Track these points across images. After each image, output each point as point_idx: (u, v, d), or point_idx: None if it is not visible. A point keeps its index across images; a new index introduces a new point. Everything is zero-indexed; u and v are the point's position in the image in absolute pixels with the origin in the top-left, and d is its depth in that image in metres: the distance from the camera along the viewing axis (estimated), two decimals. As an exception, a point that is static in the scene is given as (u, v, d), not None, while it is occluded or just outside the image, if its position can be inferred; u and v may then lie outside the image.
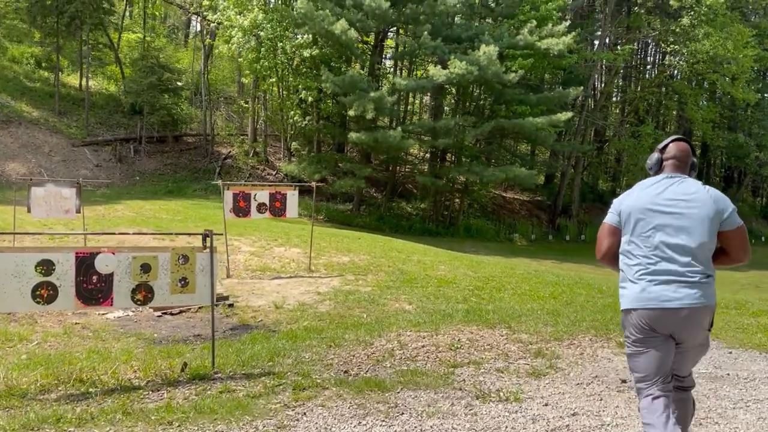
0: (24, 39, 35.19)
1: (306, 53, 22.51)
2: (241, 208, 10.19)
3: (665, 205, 3.19)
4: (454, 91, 26.14)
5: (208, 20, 31.61)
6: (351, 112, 21.48)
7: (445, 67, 21.20)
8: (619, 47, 28.00)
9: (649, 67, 38.32)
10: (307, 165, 24.03)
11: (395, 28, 24.08)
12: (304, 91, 24.02)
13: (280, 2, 24.18)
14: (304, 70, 25.04)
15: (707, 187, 3.25)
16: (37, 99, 29.91)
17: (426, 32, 21.50)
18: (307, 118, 28.81)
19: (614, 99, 36.19)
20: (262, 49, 23.16)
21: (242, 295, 8.91)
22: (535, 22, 22.49)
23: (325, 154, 28.54)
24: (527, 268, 13.93)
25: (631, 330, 3.24)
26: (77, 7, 27.41)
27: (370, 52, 24.92)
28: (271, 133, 31.89)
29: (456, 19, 24.68)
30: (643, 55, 35.62)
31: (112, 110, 31.56)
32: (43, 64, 33.13)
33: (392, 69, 28.52)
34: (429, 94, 30.06)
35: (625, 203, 3.31)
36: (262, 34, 22.60)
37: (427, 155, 30.79)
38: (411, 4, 22.09)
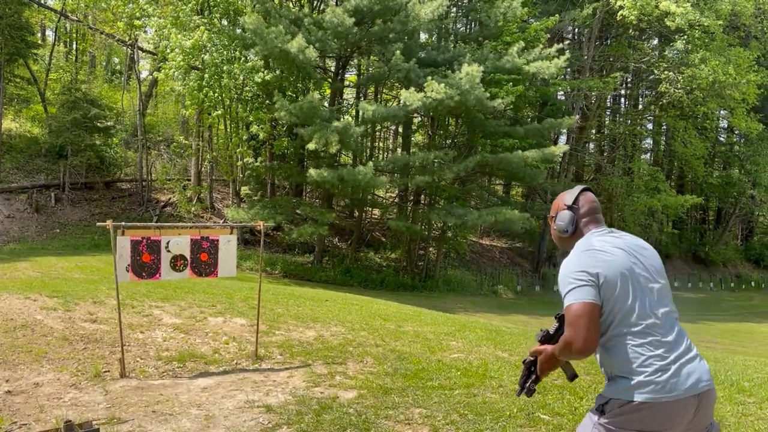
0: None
1: (258, 78, 18.99)
2: (144, 264, 6.45)
3: (635, 259, 2.63)
4: (426, 122, 22.95)
5: (145, 50, 28.07)
6: (311, 145, 17.97)
7: (420, 90, 17.96)
8: (605, 76, 25.41)
9: (640, 97, 35.91)
10: (260, 210, 20.29)
11: (359, 50, 20.84)
12: (255, 125, 20.42)
13: (225, 21, 20.72)
14: (255, 100, 21.53)
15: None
16: (-58, 142, 25.69)
17: (398, 51, 18.30)
18: (259, 158, 25.21)
19: (601, 132, 33.52)
20: (206, 74, 19.58)
21: (133, 417, 5.11)
22: (523, 43, 19.57)
23: (280, 198, 24.86)
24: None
25: None
26: (-11, 34, 23.58)
27: (330, 79, 21.58)
28: (217, 177, 28.14)
29: (427, 40, 21.68)
30: (631, 84, 33.27)
31: (32, 154, 27.43)
32: (-45, 104, 28.93)
33: (355, 97, 25.15)
34: (394, 126, 26.94)
35: (600, 264, 2.53)
36: (206, 57, 19.05)
37: (396, 197, 27.36)
38: (379, 21, 18.94)
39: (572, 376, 2.74)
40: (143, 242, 6.41)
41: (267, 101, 21.02)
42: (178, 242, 6.54)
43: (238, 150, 22.02)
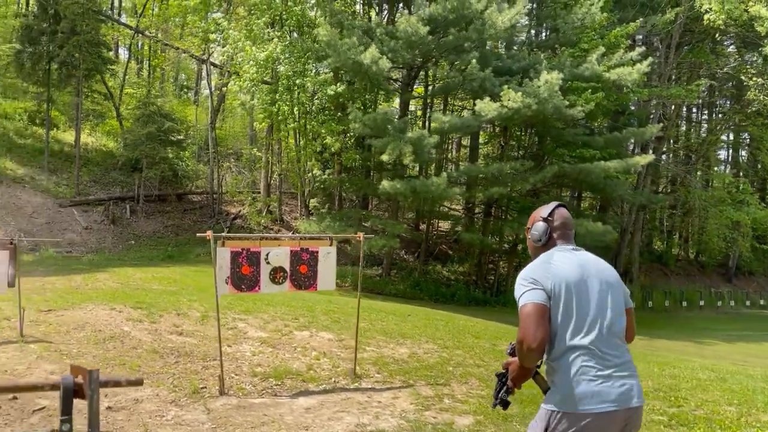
0: (20, 96, 32.32)
1: (330, 91, 18.87)
2: (244, 277, 6.20)
3: (588, 278, 2.78)
4: (497, 132, 22.42)
5: (216, 65, 28.49)
6: (384, 157, 17.69)
7: (496, 100, 17.47)
8: (686, 83, 24.33)
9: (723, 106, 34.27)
10: (331, 223, 20.13)
11: (431, 60, 20.50)
12: (328, 138, 20.30)
13: (297, 33, 20.72)
14: (324, 112, 21.44)
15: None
16: (25, 156, 26.55)
17: (474, 60, 17.88)
18: (327, 171, 25.16)
19: (677, 142, 32.15)
20: (280, 87, 19.58)
21: (242, 440, 4.83)
22: (603, 49, 18.86)
23: (348, 210, 24.68)
24: (661, 356, 9.72)
25: None
26: (69, 50, 24.27)
27: (400, 90, 21.32)
28: (285, 190, 28.22)
29: (494, 48, 21.17)
30: (707, 91, 31.79)
31: (108, 167, 28.12)
32: (37, 120, 29.99)
33: (421, 108, 24.72)
34: (457, 137, 26.47)
35: (551, 274, 2.72)
36: (280, 69, 19.03)
37: (464, 209, 26.82)
38: (452, 30, 18.58)
39: (546, 390, 2.78)
40: (243, 253, 6.17)
41: (338, 113, 20.90)
42: (278, 254, 6.28)
43: (309, 162, 21.97)
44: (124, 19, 34.05)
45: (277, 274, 6.27)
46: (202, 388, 6.35)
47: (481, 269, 23.26)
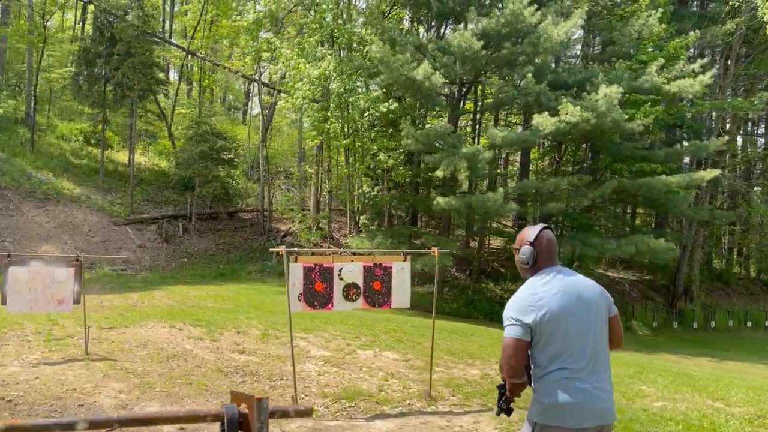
0: (76, 117, 33.21)
1: (383, 108, 18.75)
2: (317, 294, 5.99)
3: (572, 303, 3.05)
4: (551, 147, 21.97)
5: (267, 84, 28.75)
6: (439, 173, 17.42)
7: (552, 114, 17.07)
8: (747, 96, 23.50)
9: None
10: (382, 240, 19.89)
11: (484, 75, 20.21)
12: (381, 154, 20.15)
13: (348, 51, 20.67)
14: (373, 129, 21.33)
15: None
16: (81, 176, 27.12)
17: (529, 75, 17.55)
18: (376, 188, 25.00)
19: (735, 156, 31.07)
20: (331, 104, 19.55)
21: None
22: (662, 61, 18.31)
23: (398, 227, 24.44)
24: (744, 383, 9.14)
25: None
26: (124, 72, 24.78)
27: (452, 106, 21.07)
28: (334, 207, 28.18)
29: (557, 62, 20.79)
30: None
31: (161, 186, 28.54)
32: (92, 141, 30.70)
33: (471, 124, 24.38)
34: (505, 152, 26.01)
35: (536, 308, 2.99)
36: (333, 86, 18.99)
37: (515, 226, 26.28)
38: (506, 44, 18.29)
39: None
40: (316, 269, 5.98)
41: (390, 129, 20.76)
42: (351, 270, 6.06)
43: (360, 179, 21.86)
44: (174, 41, 34.70)
45: (350, 291, 6.05)
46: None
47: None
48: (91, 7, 35.75)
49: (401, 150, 21.43)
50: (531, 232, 3.23)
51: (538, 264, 3.15)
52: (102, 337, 9.53)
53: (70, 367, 7.64)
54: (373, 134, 20.74)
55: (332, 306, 6.05)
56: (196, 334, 10.23)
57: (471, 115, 25.42)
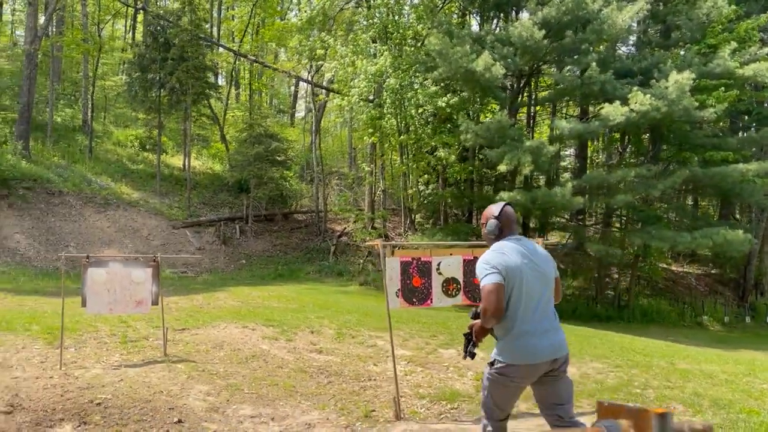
0: (130, 124, 33.76)
1: (441, 102, 18.34)
2: (415, 289, 5.66)
3: (526, 261, 3.68)
4: (614, 137, 21.22)
5: (318, 85, 28.64)
6: (502, 167, 16.94)
7: (624, 103, 16.40)
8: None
9: None
10: (442, 237, 19.52)
11: (545, 64, 19.62)
12: (441, 150, 19.74)
13: (401, 47, 20.28)
14: (429, 125, 20.93)
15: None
16: (138, 181, 27.48)
17: (594, 63, 16.93)
18: (430, 186, 24.59)
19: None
20: (387, 100, 19.22)
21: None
22: (734, 44, 17.47)
23: (453, 224, 24.02)
24: None
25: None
26: (179, 77, 24.96)
27: (510, 98, 20.51)
28: (388, 206, 27.90)
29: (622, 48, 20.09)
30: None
31: (216, 189, 28.71)
32: (147, 146, 31.13)
33: (527, 116, 23.68)
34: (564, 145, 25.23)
35: (504, 263, 3.63)
36: (392, 81, 18.65)
37: (573, 220, 25.53)
38: (568, 32, 17.69)
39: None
40: (413, 264, 5.65)
41: (448, 125, 20.34)
42: (450, 263, 5.71)
43: (423, 177, 21.47)
44: (224, 44, 34.93)
45: (449, 286, 5.70)
46: (372, 411, 5.84)
47: (600, 283, 21.99)
48: (141, 15, 36.39)
49: (458, 146, 21.00)
50: (495, 208, 3.86)
51: (502, 234, 3.79)
52: (176, 338, 9.41)
53: (151, 369, 7.49)
54: (429, 130, 20.35)
55: (431, 302, 5.71)
56: (270, 334, 10.03)
57: (524, 108, 24.83)
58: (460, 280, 5.73)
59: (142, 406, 6.00)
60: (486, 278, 3.57)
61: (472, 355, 3.83)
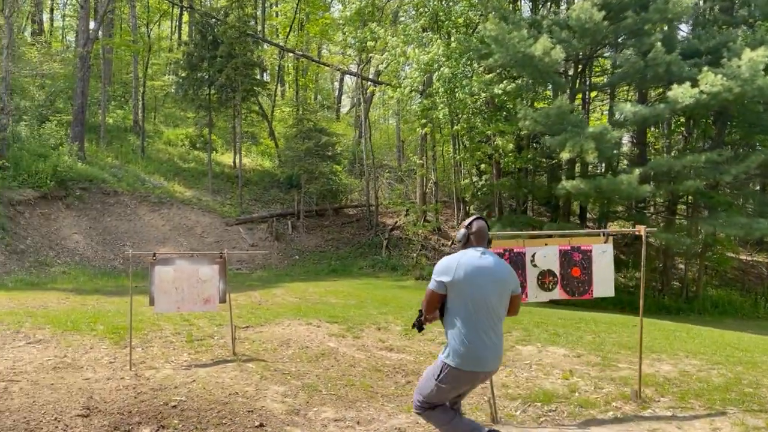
0: (180, 123, 34.01)
1: (498, 90, 17.76)
2: (509, 283, 5.23)
3: (481, 274, 3.90)
4: (678, 121, 20.31)
5: (367, 78, 28.31)
6: (564, 154, 16.31)
7: (693, 85, 15.58)
8: None
9: None
10: (500, 228, 18.95)
11: (606, 47, 18.87)
12: (499, 139, 19.17)
13: (455, 35, 19.72)
14: (488, 113, 20.33)
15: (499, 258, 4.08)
16: (190, 179, 27.58)
17: (659, 44, 16.15)
18: (483, 177, 24.02)
19: None
20: (440, 90, 18.74)
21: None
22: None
23: (511, 215, 23.40)
24: None
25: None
26: (228, 74, 24.91)
27: (569, 84, 19.78)
28: (439, 199, 27.41)
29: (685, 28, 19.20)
30: None
31: (266, 186, 28.66)
32: (197, 145, 31.29)
33: (582, 102, 22.84)
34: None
35: (452, 271, 3.91)
36: (445, 70, 18.16)
37: (634, 208, 24.62)
38: (630, 12, 16.93)
39: None
40: (505, 255, 5.23)
41: (504, 113, 19.76)
42: (545, 254, 5.27)
43: (480, 166, 20.87)
44: (271, 40, 34.87)
45: (545, 279, 5.27)
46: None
47: (666, 274, 21.12)
48: (186, 15, 36.64)
49: (514, 134, 20.38)
50: (469, 220, 4.18)
51: (469, 243, 4.06)
52: (241, 336, 9.18)
53: (222, 369, 7.25)
54: (482, 119, 19.77)
55: (526, 297, 5.28)
56: (336, 332, 9.74)
57: (581, 94, 24.02)
58: (557, 273, 5.29)
59: (220, 409, 5.73)
60: (430, 283, 3.98)
61: (420, 329, 4.18)
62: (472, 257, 3.90)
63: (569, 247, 5.30)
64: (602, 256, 5.37)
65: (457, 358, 3.82)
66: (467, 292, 3.82)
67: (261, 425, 5.32)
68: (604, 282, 5.39)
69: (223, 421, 5.42)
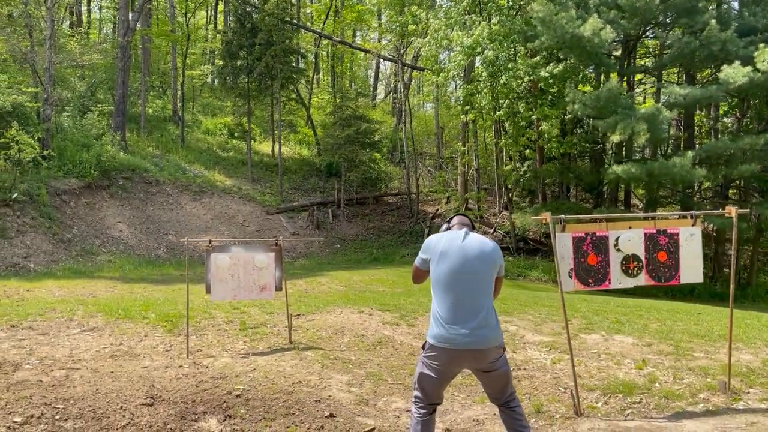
0: (218, 113, 34.11)
1: (544, 73, 17.32)
2: (591, 268, 4.96)
3: (460, 252, 3.87)
4: (732, 102, 19.57)
5: (407, 64, 27.97)
6: (615, 137, 15.82)
7: (749, 63, 14.97)
8: None
9: None
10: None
11: (656, 27, 18.25)
12: (544, 124, 18.73)
13: (498, 17, 19.25)
14: (532, 98, 19.87)
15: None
16: (229, 168, 27.64)
17: (713, 21, 15.54)
18: (527, 163, 23.55)
19: None
20: (485, 73, 18.33)
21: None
22: None
23: (555, 201, 22.95)
24: None
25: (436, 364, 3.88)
26: (267, 61, 24.82)
27: (619, 65, 19.21)
28: (481, 186, 27.02)
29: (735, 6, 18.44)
30: None
31: (306, 174, 28.59)
32: (236, 134, 31.35)
33: (628, 83, 22.19)
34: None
35: (432, 246, 3.99)
36: (489, 53, 17.74)
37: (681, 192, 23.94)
38: (683, -10, 16.34)
39: None
40: (587, 239, 4.94)
41: (549, 96, 19.28)
42: (630, 238, 4.97)
43: (524, 152, 20.42)
44: (308, 27, 34.73)
45: (630, 264, 4.97)
46: (541, 405, 5.19)
47: (718, 260, 20.50)
48: (222, 5, 36.66)
49: (558, 118, 19.90)
50: (452, 215, 4.39)
51: (451, 226, 4.22)
52: (294, 324, 9.03)
53: (281, 357, 7.10)
54: (525, 103, 19.32)
55: (609, 283, 4.99)
56: (390, 320, 9.54)
57: (626, 76, 23.36)
58: (642, 257, 4.99)
59: (285, 398, 5.58)
60: (416, 258, 4.11)
61: None
62: (454, 236, 3.92)
63: (655, 231, 4.99)
64: (690, 240, 5.05)
65: (432, 334, 3.80)
66: (443, 269, 3.82)
67: (331, 415, 5.15)
68: (691, 267, 5.07)
69: (291, 411, 5.26)
